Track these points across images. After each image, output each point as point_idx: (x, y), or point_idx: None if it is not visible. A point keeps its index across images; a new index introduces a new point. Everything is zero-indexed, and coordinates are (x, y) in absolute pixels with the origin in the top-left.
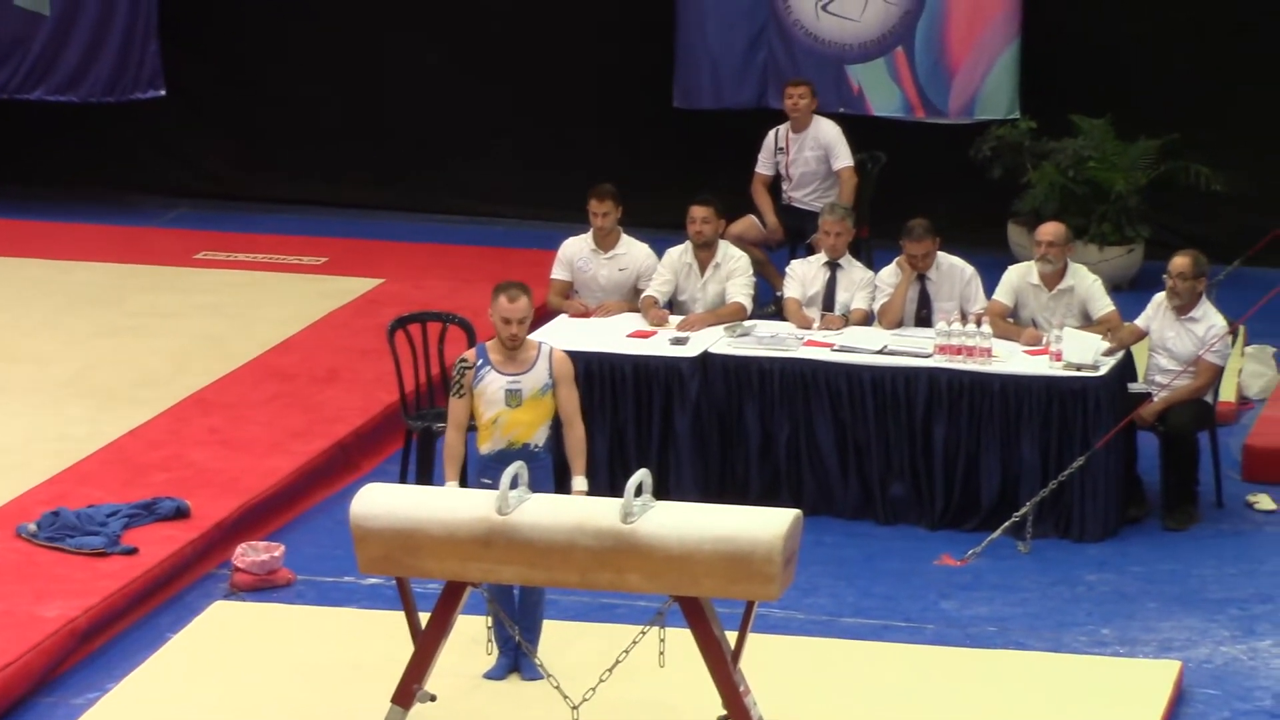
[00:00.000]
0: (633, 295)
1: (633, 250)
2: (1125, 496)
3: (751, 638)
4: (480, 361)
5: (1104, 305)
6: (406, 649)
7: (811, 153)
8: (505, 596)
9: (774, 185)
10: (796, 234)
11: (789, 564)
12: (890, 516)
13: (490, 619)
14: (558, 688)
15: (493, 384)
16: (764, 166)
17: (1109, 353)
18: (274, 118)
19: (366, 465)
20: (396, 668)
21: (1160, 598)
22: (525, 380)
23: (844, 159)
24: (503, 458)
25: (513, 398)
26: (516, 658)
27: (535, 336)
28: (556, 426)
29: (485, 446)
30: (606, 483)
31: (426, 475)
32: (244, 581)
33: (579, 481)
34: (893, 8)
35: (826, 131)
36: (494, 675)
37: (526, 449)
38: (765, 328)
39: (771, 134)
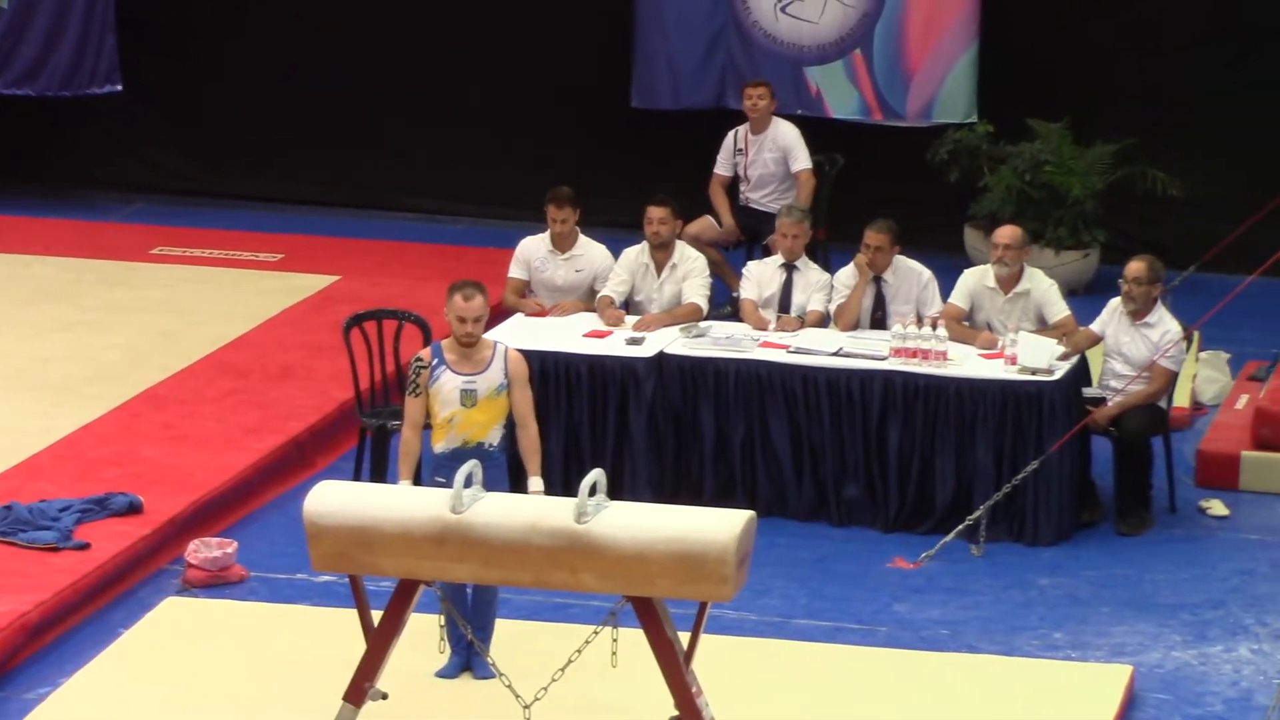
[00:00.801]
0: (589, 295)
1: (590, 251)
2: (1079, 501)
3: (704, 638)
4: (435, 360)
5: (1059, 310)
6: (359, 647)
7: (770, 154)
8: (458, 595)
9: (732, 186)
10: (753, 235)
11: (742, 565)
12: (844, 519)
13: (443, 617)
14: (510, 687)
15: (448, 383)
16: (722, 167)
17: (1064, 357)
18: (231, 114)
19: (321, 462)
20: (349, 665)
21: (1113, 602)
22: (480, 380)
23: (802, 161)
24: (457, 456)
25: (468, 398)
26: (469, 657)
27: (491, 335)
28: (512, 426)
29: (440, 445)
30: (561, 482)
31: (381, 473)
32: (196, 578)
33: (534, 482)
34: (851, 10)
35: (785, 134)
36: (446, 674)
37: (481, 448)
38: (721, 329)
39: (730, 135)
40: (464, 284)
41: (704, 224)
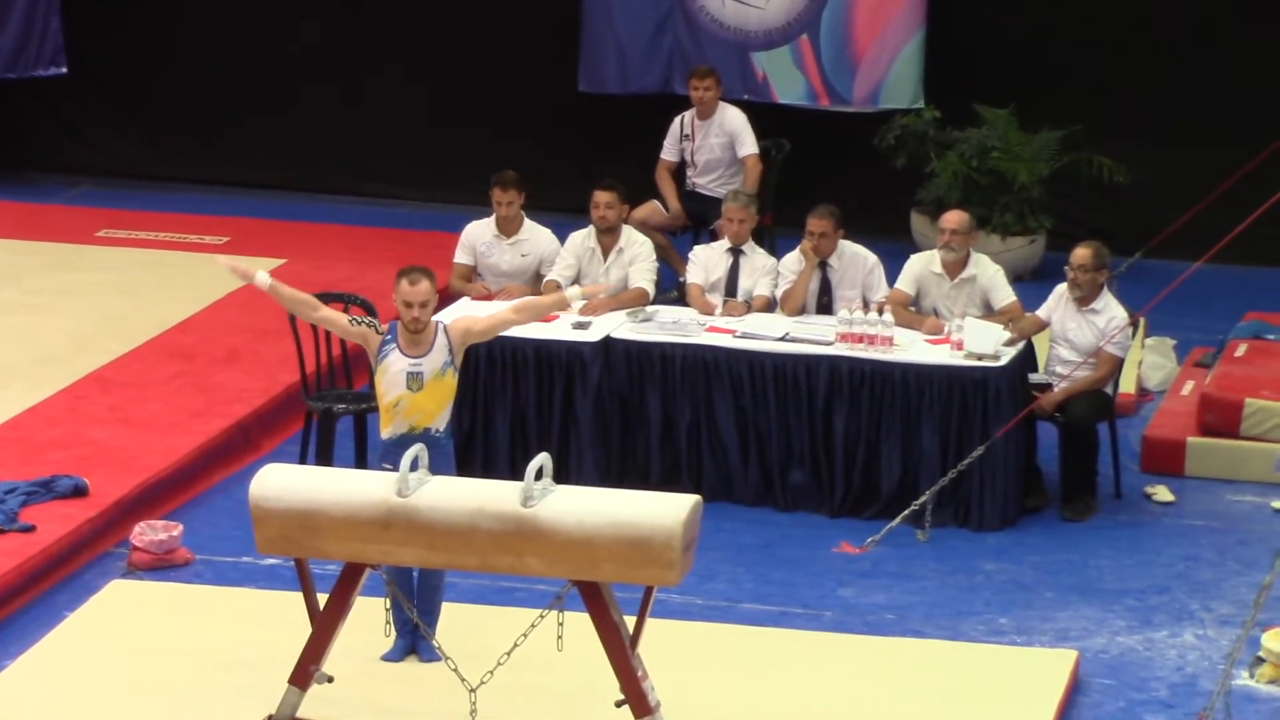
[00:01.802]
0: (535, 280)
1: (535, 236)
2: (1024, 486)
3: (650, 623)
4: (389, 337)
5: (1006, 295)
6: (304, 630)
7: (717, 139)
8: (404, 579)
9: (678, 171)
10: (700, 220)
11: (688, 550)
12: (790, 504)
13: (388, 601)
14: (456, 670)
15: (395, 364)
16: (669, 152)
17: (1010, 343)
18: (176, 96)
19: (266, 446)
20: (294, 649)
21: (1057, 587)
22: (426, 363)
23: (749, 146)
24: (404, 443)
25: (414, 380)
26: (414, 640)
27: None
28: (460, 414)
29: (386, 431)
30: (507, 466)
31: (327, 457)
32: (142, 560)
33: (572, 291)
34: None
35: (732, 119)
36: (391, 657)
37: (428, 434)
38: (667, 313)
39: (677, 120)
40: (410, 269)
41: (651, 209)
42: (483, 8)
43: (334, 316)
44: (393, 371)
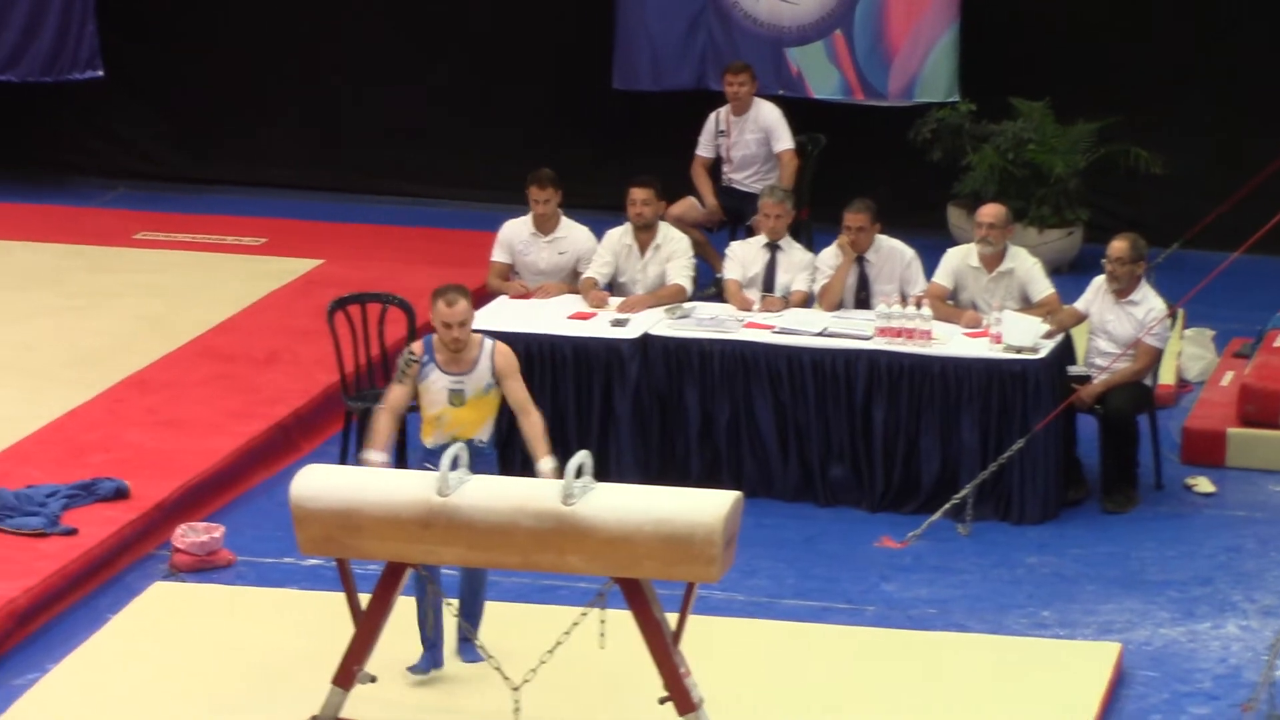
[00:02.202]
0: (572, 278)
1: (572, 233)
2: (1065, 479)
3: (692, 619)
4: (426, 358)
5: (1044, 288)
6: (347, 630)
7: (752, 135)
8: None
9: (714, 167)
10: (736, 216)
11: (729, 546)
12: (830, 499)
13: (418, 615)
14: (498, 669)
15: (437, 382)
16: (704, 149)
17: (1049, 335)
18: (212, 98)
19: (306, 446)
20: (337, 649)
21: (1100, 580)
22: (468, 381)
23: (785, 142)
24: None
25: (455, 397)
26: (440, 653)
27: (477, 323)
28: (504, 419)
29: (429, 440)
30: None
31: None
32: (184, 562)
33: (545, 463)
34: None
35: (767, 114)
36: (419, 669)
37: (471, 444)
38: (705, 309)
39: (712, 116)
40: (445, 289)
41: (687, 205)
42: (517, 7)
43: (397, 398)
44: (435, 389)
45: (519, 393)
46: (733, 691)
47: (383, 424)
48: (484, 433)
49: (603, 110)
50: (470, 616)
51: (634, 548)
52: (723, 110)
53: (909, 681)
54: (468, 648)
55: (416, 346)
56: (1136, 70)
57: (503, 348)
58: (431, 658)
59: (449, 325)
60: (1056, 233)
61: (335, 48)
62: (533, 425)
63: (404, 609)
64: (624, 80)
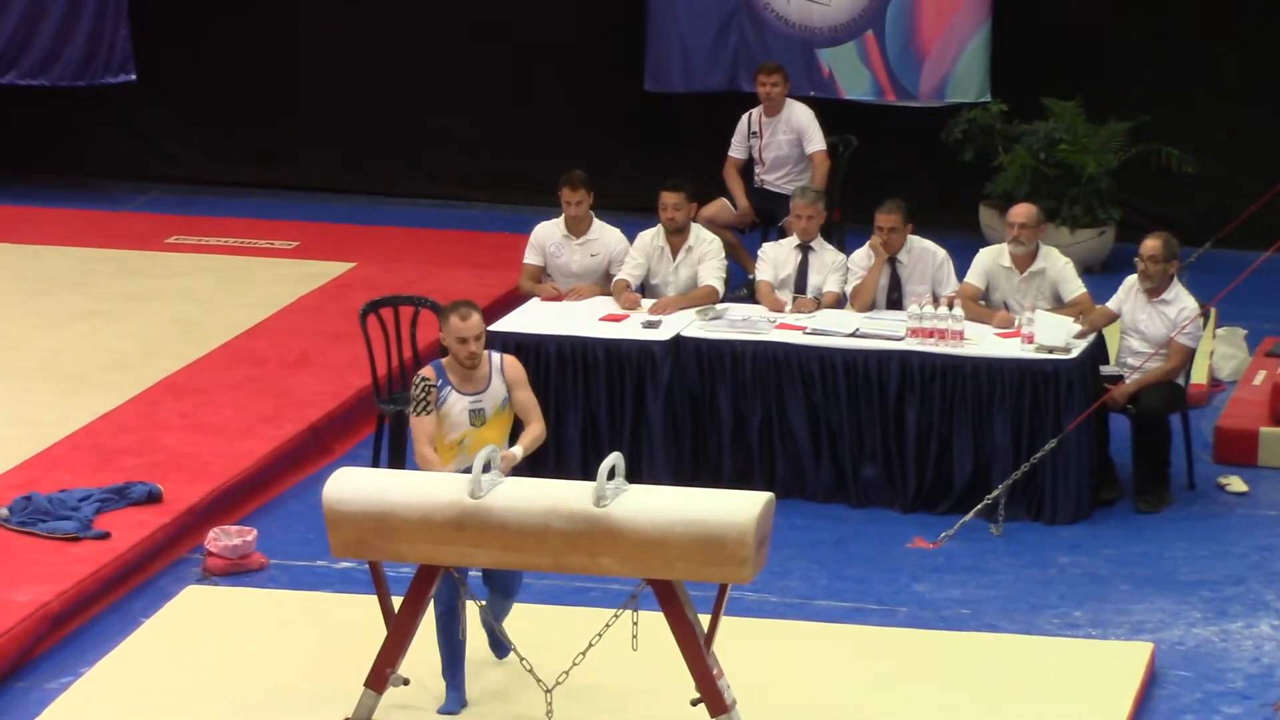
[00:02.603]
0: (605, 280)
1: (604, 235)
2: (1097, 479)
3: (724, 620)
4: (441, 381)
5: (1075, 288)
6: (379, 633)
7: (784, 136)
8: (453, 621)
9: (746, 168)
10: (768, 217)
11: (761, 547)
12: (863, 499)
13: (441, 656)
14: (531, 671)
15: (455, 405)
16: (736, 150)
17: (1081, 335)
18: (245, 102)
19: (339, 449)
20: (370, 652)
21: (1132, 580)
22: (486, 398)
23: (817, 143)
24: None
25: (477, 418)
26: (465, 694)
27: (511, 325)
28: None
29: (450, 466)
30: (580, 466)
31: (399, 459)
32: (216, 566)
33: (515, 449)
34: None
35: (800, 115)
36: (448, 710)
37: None
38: (737, 311)
39: (745, 117)
40: (458, 304)
41: (719, 206)
42: (548, 9)
43: (430, 430)
44: (455, 413)
45: (527, 401)
46: (766, 693)
47: (433, 457)
48: (504, 448)
49: (634, 112)
50: (500, 617)
51: (666, 549)
52: (755, 111)
53: (941, 682)
54: (497, 642)
55: (428, 372)
56: (1168, 69)
57: (510, 359)
58: (458, 697)
59: (465, 340)
60: (1088, 232)
61: (367, 51)
62: (530, 430)
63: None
64: (656, 82)
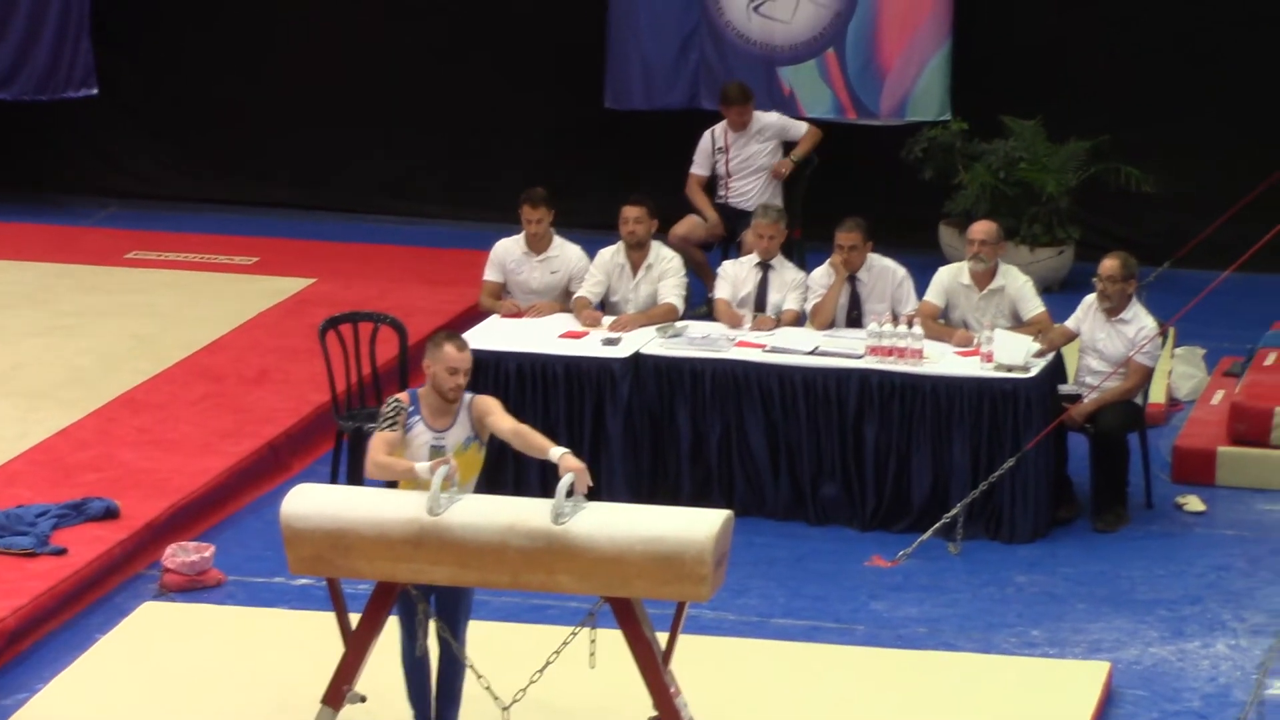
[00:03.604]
0: (565, 297)
1: (565, 252)
2: (1055, 498)
3: (682, 638)
4: (412, 408)
5: (1034, 306)
6: (337, 650)
7: (759, 145)
8: (422, 675)
9: (708, 185)
10: (731, 234)
11: (720, 565)
12: (821, 517)
13: (408, 694)
14: (488, 688)
15: (420, 436)
16: (700, 167)
17: (1040, 354)
18: (205, 117)
19: (297, 466)
20: (327, 668)
21: (1090, 599)
22: (449, 436)
23: (800, 125)
24: None
25: (436, 453)
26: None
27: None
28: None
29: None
30: (538, 483)
31: (357, 476)
32: (174, 582)
33: (555, 451)
34: (824, 10)
35: (770, 120)
36: None
37: None
38: (697, 328)
39: (708, 135)
40: (454, 335)
41: (691, 224)
42: (509, 27)
43: (392, 440)
44: (416, 445)
45: (506, 422)
46: (723, 711)
47: (390, 460)
48: (469, 489)
49: (595, 129)
50: (449, 709)
51: (625, 567)
52: (718, 128)
53: (899, 701)
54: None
55: (403, 396)
56: (1128, 89)
57: (478, 397)
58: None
59: (455, 371)
60: (1048, 251)
61: (328, 67)
62: (531, 434)
63: (394, 628)
64: (616, 99)
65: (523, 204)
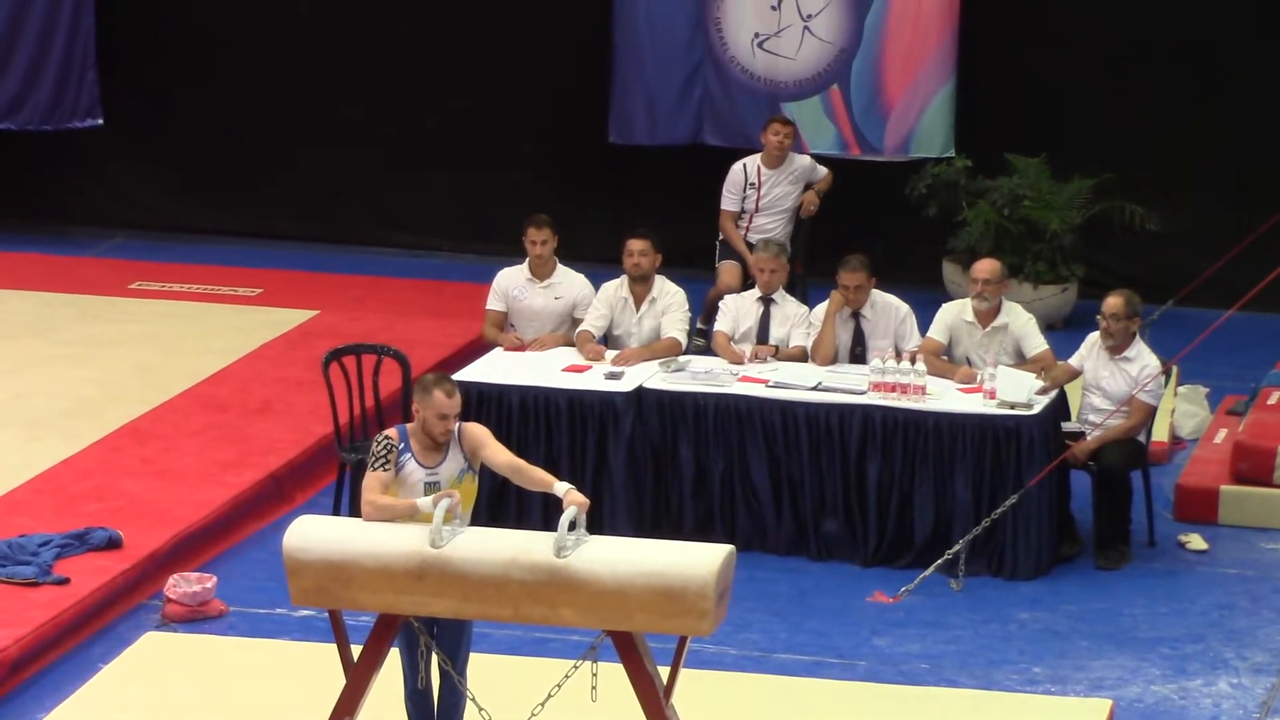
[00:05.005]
0: (569, 325)
1: (569, 279)
2: (1058, 535)
3: (684, 673)
4: (403, 445)
5: (1038, 344)
6: (338, 682)
7: (790, 186)
8: (423, 707)
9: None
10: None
11: (722, 600)
12: (823, 553)
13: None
14: None
15: (413, 474)
16: (731, 203)
17: (1043, 391)
18: (209, 149)
19: (299, 497)
20: (328, 700)
21: (1092, 636)
22: (443, 470)
23: (822, 170)
24: None
25: (431, 489)
26: None
27: (473, 374)
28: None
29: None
30: (540, 517)
31: (360, 508)
32: (176, 613)
33: (560, 486)
34: (828, 46)
35: (804, 162)
36: None
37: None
38: (700, 363)
39: (739, 168)
40: (443, 379)
41: (733, 275)
42: (513, 60)
43: (386, 482)
44: (410, 483)
45: (502, 455)
46: None
47: (387, 500)
48: (464, 519)
49: (598, 164)
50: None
51: (627, 601)
52: (750, 162)
53: None
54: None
55: (393, 433)
56: (1132, 127)
57: (468, 426)
58: None
59: (445, 416)
60: (1051, 289)
61: (332, 99)
62: (531, 469)
63: (396, 660)
64: (620, 134)
65: (527, 226)
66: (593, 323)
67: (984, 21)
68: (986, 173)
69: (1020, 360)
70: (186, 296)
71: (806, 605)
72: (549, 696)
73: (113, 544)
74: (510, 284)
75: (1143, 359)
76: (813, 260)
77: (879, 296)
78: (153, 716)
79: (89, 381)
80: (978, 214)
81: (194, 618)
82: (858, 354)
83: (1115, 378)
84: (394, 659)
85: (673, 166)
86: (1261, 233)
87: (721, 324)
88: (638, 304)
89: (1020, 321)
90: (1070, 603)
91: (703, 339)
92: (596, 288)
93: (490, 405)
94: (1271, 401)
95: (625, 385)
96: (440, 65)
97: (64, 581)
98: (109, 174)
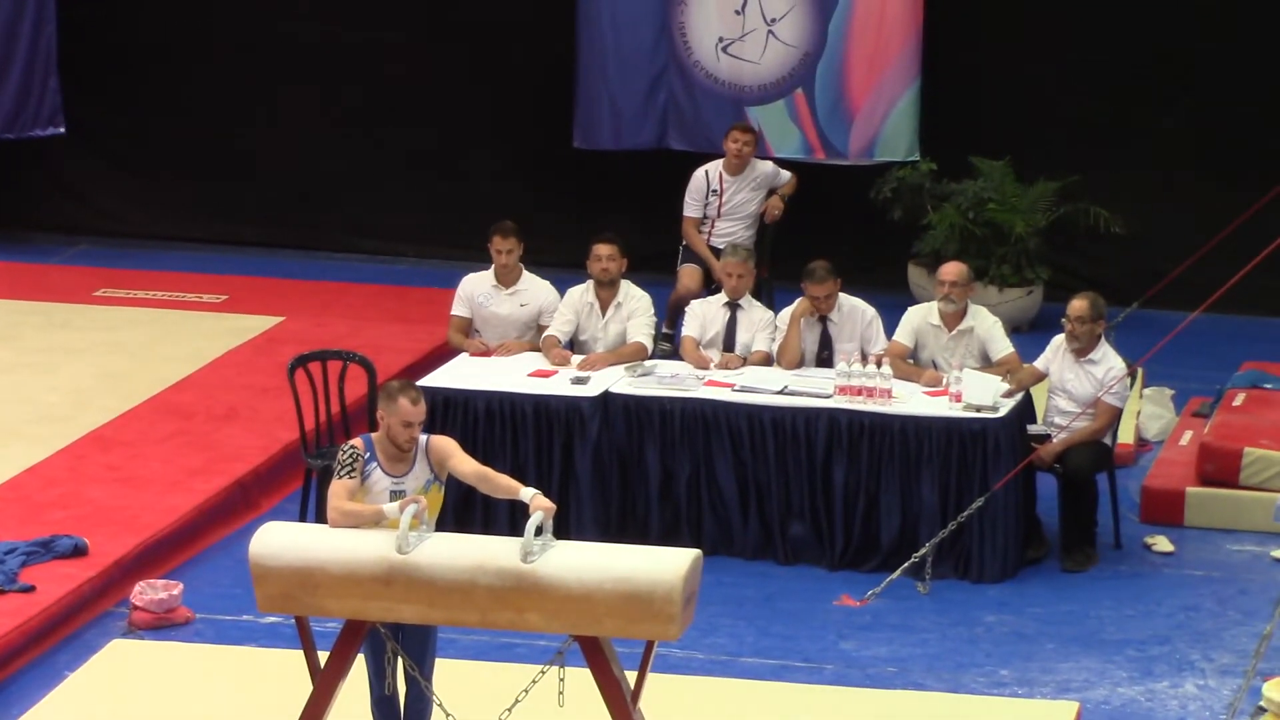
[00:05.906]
0: (534, 332)
1: (534, 286)
2: (1024, 538)
3: (651, 677)
4: (368, 455)
5: (1004, 347)
6: (305, 688)
7: (753, 192)
8: (390, 713)
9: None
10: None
11: (689, 604)
12: (790, 557)
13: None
14: None
15: (379, 483)
16: (693, 209)
17: (1009, 394)
18: (174, 156)
19: (266, 504)
20: (295, 707)
21: (1058, 639)
22: (408, 481)
23: (785, 175)
24: None
25: (397, 499)
26: None
27: (438, 380)
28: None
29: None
30: (507, 522)
31: (326, 514)
32: (142, 620)
33: (526, 492)
34: (793, 50)
35: (765, 169)
36: None
37: None
38: (666, 368)
39: (701, 174)
40: (407, 386)
41: (695, 278)
42: (478, 65)
43: (352, 489)
44: (375, 491)
45: (469, 464)
46: None
47: (353, 506)
48: (428, 528)
49: (563, 169)
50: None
51: (593, 606)
52: (712, 168)
53: None
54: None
55: (358, 443)
56: (1096, 130)
57: (436, 438)
58: None
59: (410, 424)
60: (1016, 291)
61: (297, 105)
62: (498, 477)
63: (363, 667)
64: (585, 139)
65: (493, 235)
66: (559, 328)
67: (948, 25)
68: (951, 176)
69: (986, 363)
70: (152, 303)
71: (773, 609)
72: (516, 701)
73: (79, 551)
74: (476, 290)
75: (1108, 361)
76: (778, 264)
77: (845, 300)
78: None
79: (55, 389)
80: (943, 217)
81: (161, 625)
82: (825, 358)
83: (1081, 380)
84: (360, 665)
85: (637, 171)
86: (1226, 235)
87: (689, 329)
88: (604, 309)
89: (986, 324)
90: (1037, 605)
91: (668, 343)
92: (561, 293)
93: (456, 411)
94: (1237, 403)
95: (591, 390)
96: (404, 71)
97: (30, 589)
98: (73, 181)
